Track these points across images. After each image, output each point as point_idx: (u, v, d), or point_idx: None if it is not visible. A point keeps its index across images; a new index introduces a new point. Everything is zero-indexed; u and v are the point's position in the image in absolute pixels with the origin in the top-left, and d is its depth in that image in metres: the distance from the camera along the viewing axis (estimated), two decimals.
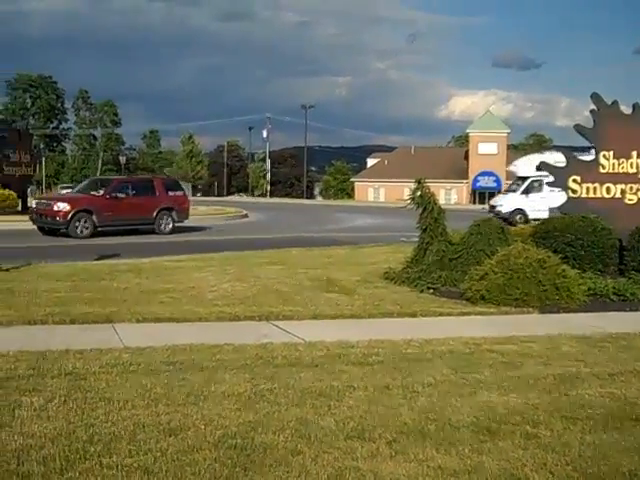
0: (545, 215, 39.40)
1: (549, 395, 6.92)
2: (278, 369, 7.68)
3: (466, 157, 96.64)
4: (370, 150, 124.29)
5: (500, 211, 40.88)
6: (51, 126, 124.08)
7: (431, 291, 13.12)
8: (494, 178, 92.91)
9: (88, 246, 22.83)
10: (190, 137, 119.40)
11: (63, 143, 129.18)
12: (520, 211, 40.76)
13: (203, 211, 45.99)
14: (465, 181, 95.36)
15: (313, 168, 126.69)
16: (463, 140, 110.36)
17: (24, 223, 31.09)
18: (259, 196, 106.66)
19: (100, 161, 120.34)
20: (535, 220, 39.62)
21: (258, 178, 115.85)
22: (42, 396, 6.52)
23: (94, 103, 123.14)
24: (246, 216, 44.70)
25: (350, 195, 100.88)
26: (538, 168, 16.98)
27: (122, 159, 78.09)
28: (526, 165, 41.26)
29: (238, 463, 5.13)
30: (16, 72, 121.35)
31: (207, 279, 13.96)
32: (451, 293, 12.83)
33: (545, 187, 39.41)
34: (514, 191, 43.12)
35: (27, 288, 12.55)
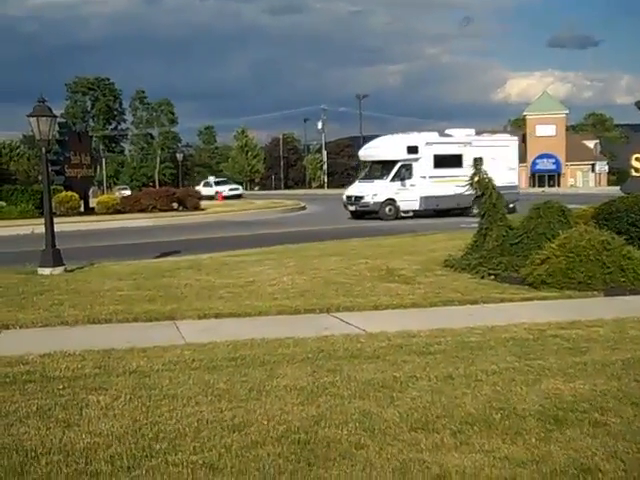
0: (416, 206, 34.75)
1: (618, 381, 6.76)
2: (340, 361, 7.65)
3: (524, 140, 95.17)
4: None
5: (368, 203, 34.06)
6: (110, 127, 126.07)
7: (492, 277, 12.97)
8: (553, 160, 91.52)
9: None
10: (243, 131, 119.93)
11: (122, 143, 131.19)
12: (390, 202, 34.02)
13: (260, 205, 46.29)
14: (523, 164, 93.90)
15: None
16: (520, 123, 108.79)
17: (87, 224, 31.71)
18: (317, 188, 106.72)
19: (158, 159, 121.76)
20: (405, 212, 34.55)
21: (315, 170, 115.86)
22: (108, 394, 6.62)
23: (151, 103, 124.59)
24: (304, 208, 44.77)
25: None
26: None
27: (179, 156, 79.05)
28: (391, 146, 35.19)
29: (302, 458, 5.11)
30: (75, 76, 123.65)
31: (266, 273, 14.00)
32: (512, 279, 12.64)
33: (415, 172, 34.15)
34: (377, 178, 35.18)
35: (91, 288, 12.77)
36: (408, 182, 33.94)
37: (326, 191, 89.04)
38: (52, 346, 8.52)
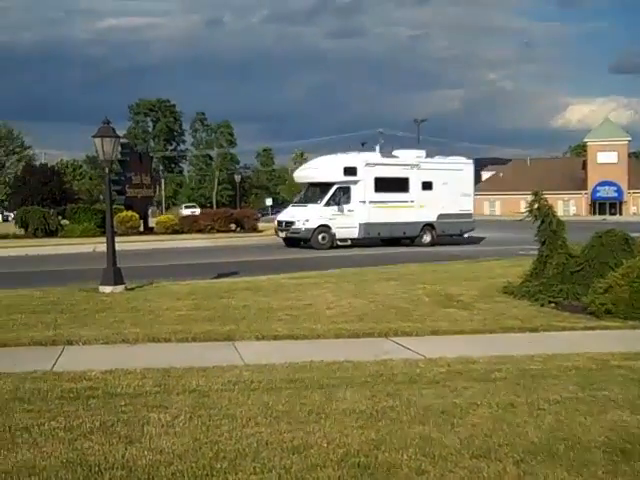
0: (355, 234, 31.69)
1: None
2: (399, 386, 7.61)
3: (584, 167, 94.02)
4: (484, 163, 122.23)
5: (299, 229, 30.73)
6: (170, 148, 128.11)
7: (552, 305, 12.78)
8: (615, 188, 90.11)
9: None
10: (302, 154, 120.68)
11: (181, 164, 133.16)
12: (324, 229, 30.57)
13: None
14: (584, 192, 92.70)
15: None
16: (580, 150, 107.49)
17: (146, 243, 32.17)
18: None
19: (216, 180, 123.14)
20: (342, 241, 31.31)
21: None
22: (169, 413, 6.67)
23: (210, 124, 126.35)
24: None
25: None
26: None
27: (237, 178, 79.78)
28: (327, 167, 32.04)
29: None
30: (138, 98, 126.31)
31: (325, 296, 14.01)
32: (573, 307, 12.44)
33: (353, 196, 30.96)
34: (312, 202, 31.73)
35: (150, 307, 12.92)
36: (345, 207, 30.78)
37: None
38: (114, 363, 8.64)
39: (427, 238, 32.75)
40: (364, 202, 30.92)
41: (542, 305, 12.83)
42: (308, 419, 6.48)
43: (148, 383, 7.76)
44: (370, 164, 31.31)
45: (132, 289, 15.38)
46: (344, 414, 6.60)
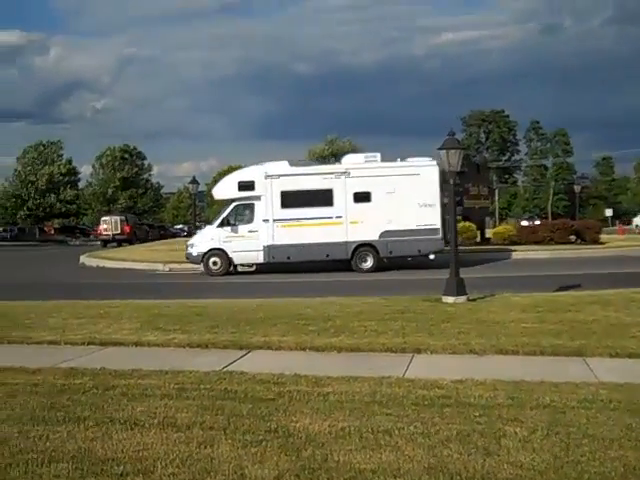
0: (260, 258, 26.68)
1: None
2: None
3: None
4: None
5: (190, 254, 27.48)
6: (503, 159, 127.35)
7: None
8: None
9: None
10: None
11: (514, 174, 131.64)
12: (218, 252, 26.75)
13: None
14: None
15: None
16: None
17: (480, 254, 32.23)
18: None
19: (551, 191, 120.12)
20: (244, 266, 26.88)
21: None
22: (524, 427, 6.56)
23: (545, 133, 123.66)
24: None
25: None
26: None
27: (577, 188, 77.20)
28: (226, 183, 28.66)
29: None
30: (469, 110, 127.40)
31: None
32: None
33: (257, 215, 26.65)
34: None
35: (495, 318, 12.87)
36: (245, 228, 26.80)
37: None
38: (463, 373, 8.74)
39: (369, 262, 26.74)
40: (267, 221, 26.67)
41: None
42: None
43: (500, 395, 7.73)
44: (273, 176, 26.59)
45: (474, 300, 15.45)
46: None
